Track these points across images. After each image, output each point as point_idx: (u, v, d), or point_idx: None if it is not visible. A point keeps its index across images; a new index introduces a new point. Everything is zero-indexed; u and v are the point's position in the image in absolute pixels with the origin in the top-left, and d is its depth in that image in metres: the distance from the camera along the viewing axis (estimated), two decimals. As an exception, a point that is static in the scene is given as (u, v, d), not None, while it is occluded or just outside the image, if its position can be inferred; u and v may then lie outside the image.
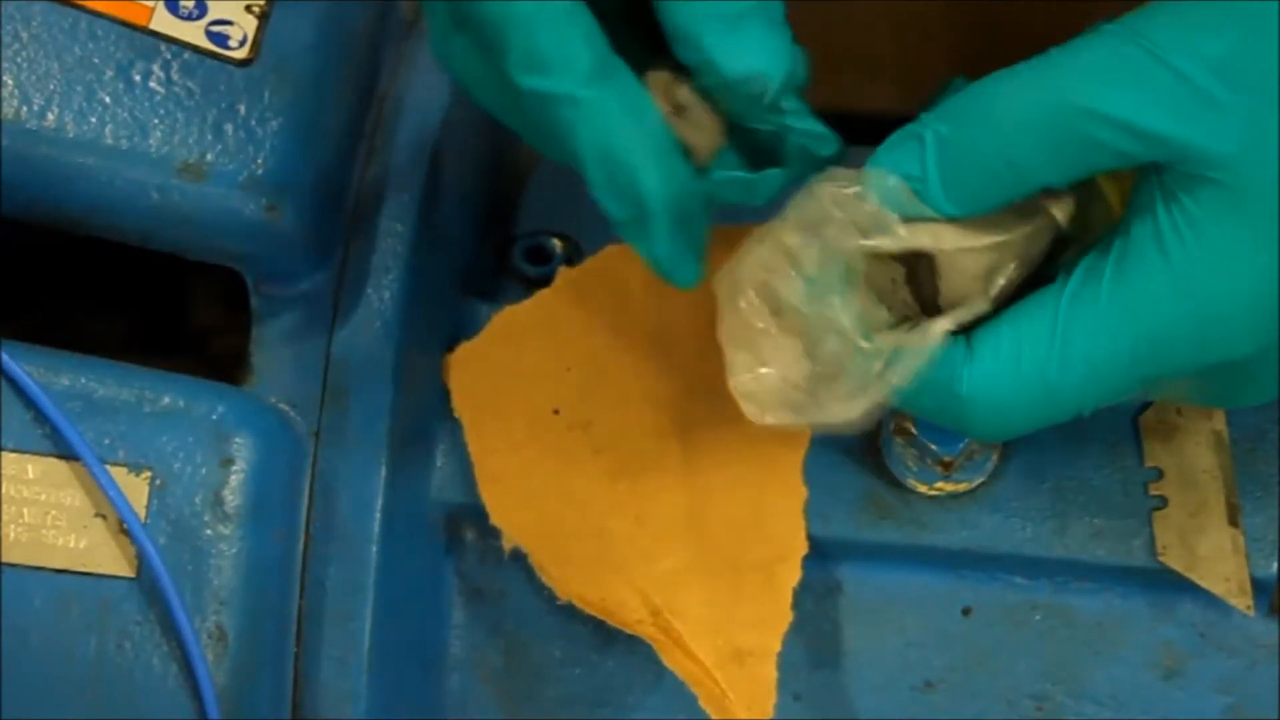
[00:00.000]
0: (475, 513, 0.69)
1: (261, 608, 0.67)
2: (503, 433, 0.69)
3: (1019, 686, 0.70)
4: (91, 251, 0.70)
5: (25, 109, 0.66)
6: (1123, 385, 0.58)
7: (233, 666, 0.66)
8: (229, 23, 0.68)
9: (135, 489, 0.66)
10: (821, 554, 0.69)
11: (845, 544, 0.70)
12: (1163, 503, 0.69)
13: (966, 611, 0.70)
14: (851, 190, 0.59)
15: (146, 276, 0.77)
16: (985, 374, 0.59)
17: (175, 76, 0.67)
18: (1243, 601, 0.68)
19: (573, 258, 0.74)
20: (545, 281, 0.71)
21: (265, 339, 0.70)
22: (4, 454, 0.65)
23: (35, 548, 0.65)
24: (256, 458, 0.67)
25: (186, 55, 0.68)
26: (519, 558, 0.69)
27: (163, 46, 0.67)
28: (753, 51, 0.59)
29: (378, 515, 0.68)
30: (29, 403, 0.65)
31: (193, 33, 0.68)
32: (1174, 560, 0.68)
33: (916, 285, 0.60)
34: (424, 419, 0.70)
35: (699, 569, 0.68)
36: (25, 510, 0.65)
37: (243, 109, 0.68)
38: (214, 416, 0.67)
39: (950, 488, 0.69)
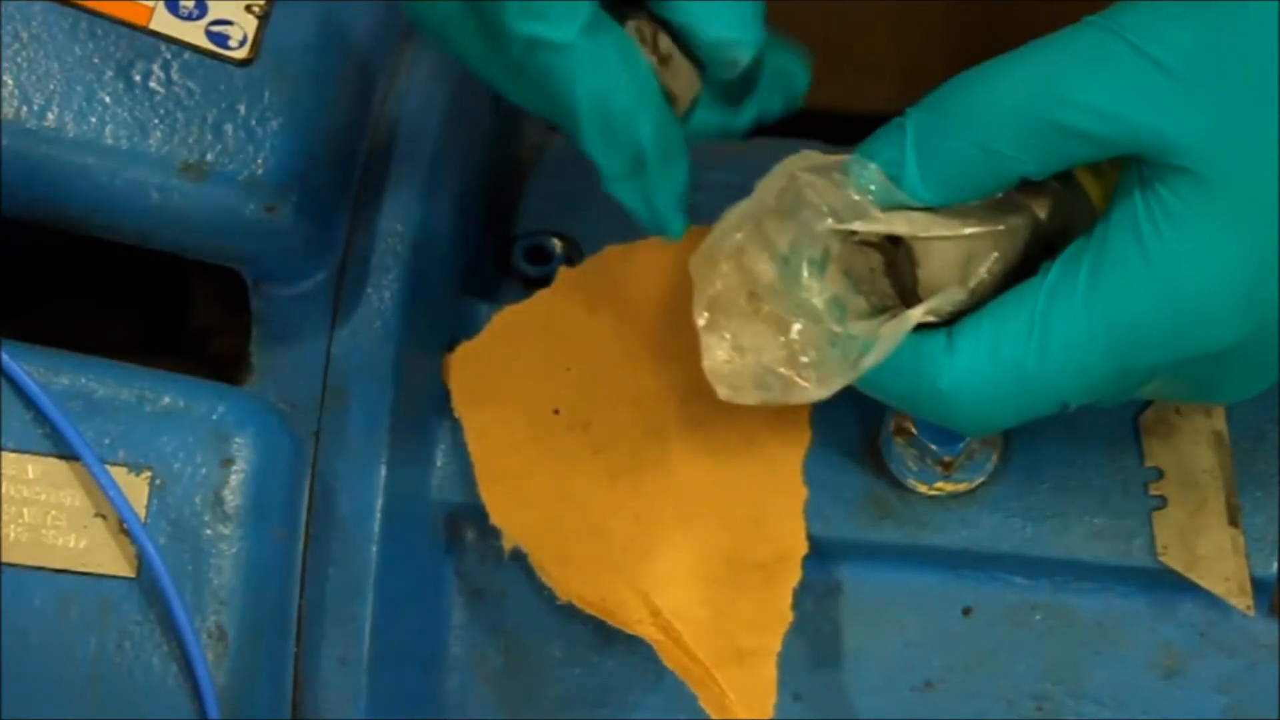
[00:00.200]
0: (475, 513, 0.69)
1: (261, 608, 0.67)
2: (503, 433, 0.69)
3: (1019, 686, 0.70)
4: (91, 251, 0.70)
5: (25, 109, 0.66)
6: (1101, 376, 0.58)
7: (233, 666, 0.66)
8: (229, 23, 0.68)
9: (135, 489, 0.66)
10: (821, 554, 0.69)
11: (845, 544, 0.70)
12: (1163, 503, 0.69)
13: (966, 611, 0.70)
14: (830, 175, 0.59)
15: (146, 276, 0.77)
16: (964, 366, 0.59)
17: (175, 76, 0.67)
18: (1243, 601, 0.68)
19: (573, 258, 0.74)
20: (545, 281, 0.72)
21: (265, 339, 0.70)
22: (4, 454, 0.65)
23: (35, 548, 0.65)
24: (256, 458, 0.67)
25: (186, 55, 0.68)
26: (519, 558, 0.69)
27: (163, 46, 0.67)
28: (728, 19, 0.59)
29: (378, 515, 0.68)
30: (29, 403, 0.65)
31: (193, 33, 0.68)
32: (1174, 560, 0.68)
33: (896, 275, 0.60)
34: (424, 419, 0.70)
35: (699, 569, 0.68)
36: (25, 510, 0.65)
37: (243, 109, 0.68)
38: (214, 416, 0.67)
39: (950, 488, 0.69)
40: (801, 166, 0.60)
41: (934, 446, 0.68)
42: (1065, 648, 0.69)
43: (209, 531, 0.66)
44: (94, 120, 0.66)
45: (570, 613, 0.69)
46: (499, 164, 0.77)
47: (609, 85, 0.58)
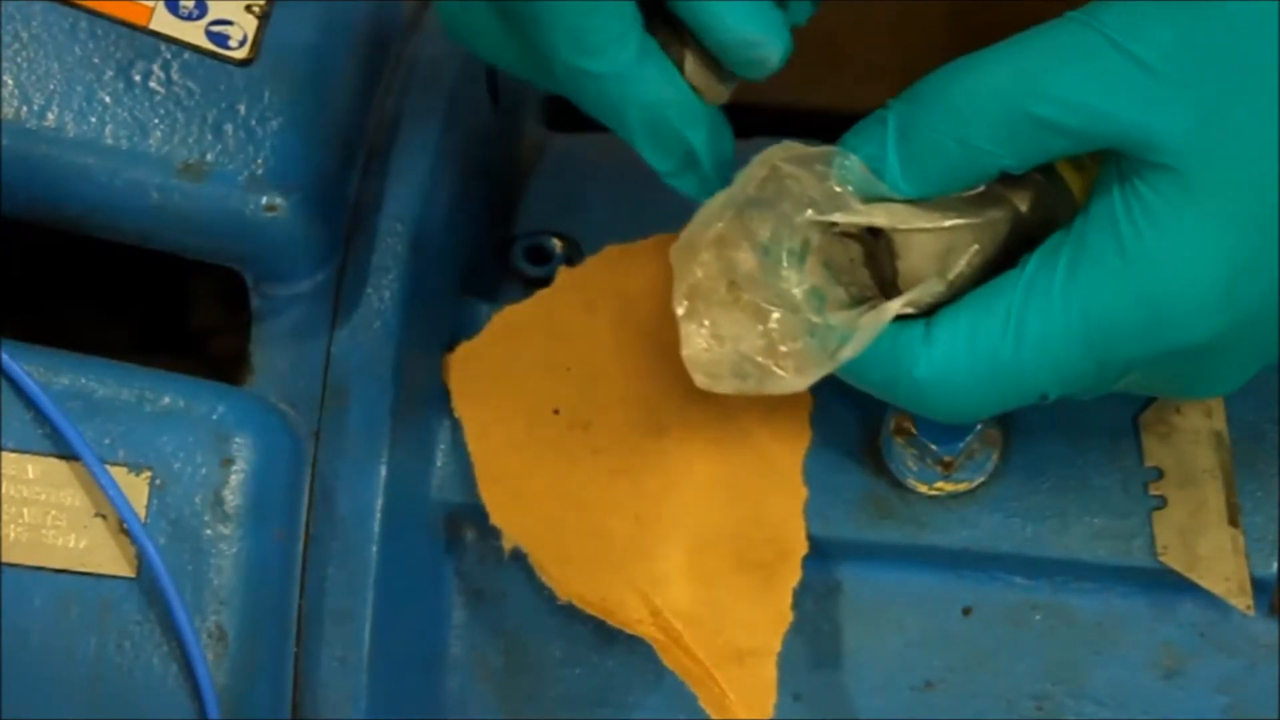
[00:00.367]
0: (475, 513, 0.69)
1: (261, 608, 0.67)
2: (503, 433, 0.69)
3: (1019, 686, 0.70)
4: (91, 251, 0.70)
5: (25, 109, 0.66)
6: (1077, 368, 0.59)
7: (233, 666, 0.66)
8: (229, 23, 0.68)
9: (135, 489, 0.66)
10: (821, 554, 0.69)
11: (845, 544, 0.70)
12: (1163, 502, 0.69)
13: (966, 611, 0.70)
14: (811, 166, 0.59)
15: (146, 276, 0.77)
16: (941, 356, 0.59)
17: (175, 76, 0.67)
18: (1243, 601, 0.68)
19: (573, 258, 0.74)
20: (545, 281, 0.71)
21: (265, 339, 0.70)
22: (4, 454, 0.65)
23: (35, 548, 0.65)
24: (256, 458, 0.67)
25: (186, 55, 0.68)
26: (519, 558, 0.69)
27: (163, 46, 0.67)
28: (755, 19, 0.59)
29: (378, 515, 0.68)
30: (29, 403, 0.65)
31: (193, 33, 0.68)
32: (1174, 560, 0.68)
33: (876, 267, 0.61)
34: (424, 419, 0.70)
35: (699, 569, 0.68)
36: (25, 510, 0.65)
37: (243, 109, 0.68)
38: (214, 416, 0.67)
39: (950, 488, 0.69)
40: (783, 157, 0.60)
41: (934, 446, 0.68)
42: (1065, 648, 0.69)
43: (209, 531, 0.66)
44: (94, 120, 0.66)
45: (570, 613, 0.69)
46: (499, 164, 0.77)
47: (659, 104, 0.60)
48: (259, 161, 0.67)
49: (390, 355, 0.69)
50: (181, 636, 0.65)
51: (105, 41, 0.67)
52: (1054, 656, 0.69)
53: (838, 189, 0.59)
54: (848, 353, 0.60)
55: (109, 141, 0.66)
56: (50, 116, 0.66)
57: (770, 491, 0.68)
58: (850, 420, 0.70)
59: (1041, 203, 0.60)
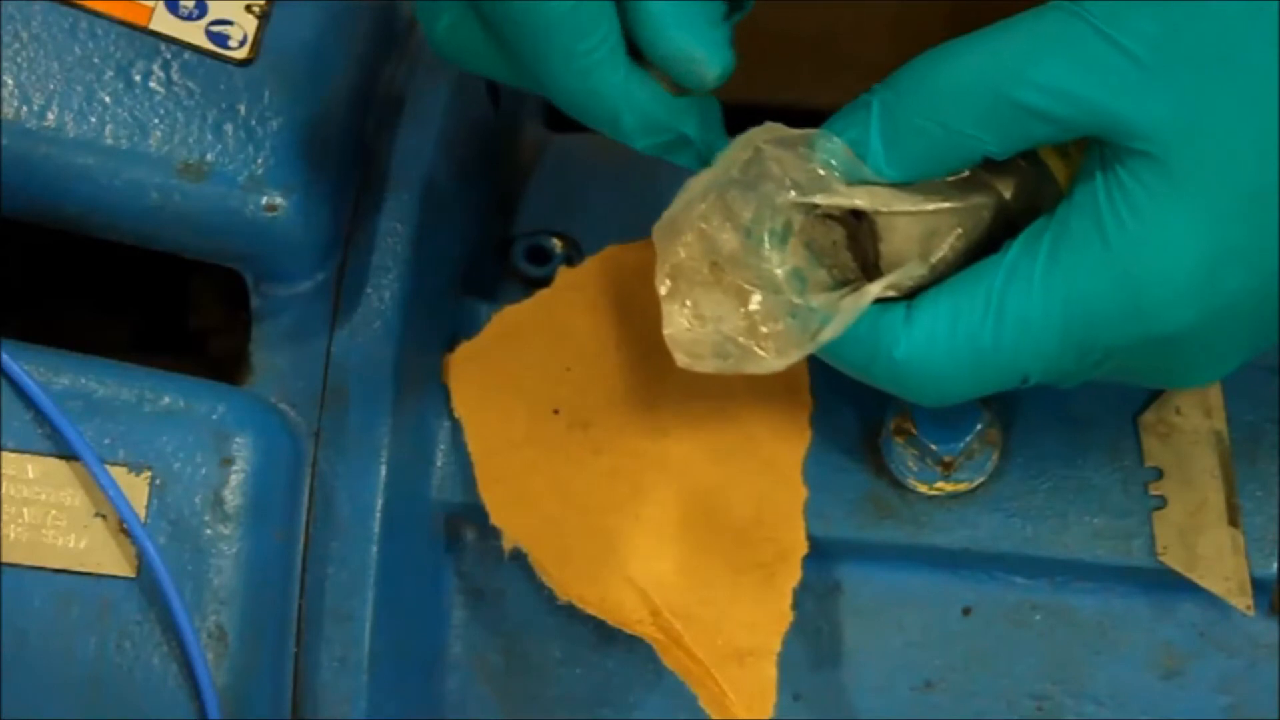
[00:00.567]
0: (475, 513, 0.69)
1: (261, 608, 0.67)
2: (503, 433, 0.69)
3: (1019, 686, 0.70)
4: (91, 251, 0.70)
5: (25, 109, 0.66)
6: (1056, 353, 0.59)
7: (233, 666, 0.66)
8: (229, 23, 0.68)
9: (135, 489, 0.66)
10: (821, 554, 0.69)
11: (845, 544, 0.70)
12: (1163, 502, 0.69)
13: (966, 611, 0.70)
14: (795, 148, 0.59)
15: (146, 276, 0.77)
16: (921, 338, 0.59)
17: (175, 76, 0.67)
18: (1243, 601, 0.68)
19: (573, 258, 0.74)
20: (545, 281, 0.71)
21: (265, 339, 0.70)
22: (4, 454, 0.65)
23: (35, 548, 0.65)
24: (256, 458, 0.67)
25: (186, 55, 0.68)
26: (519, 558, 0.69)
27: (163, 46, 0.67)
28: (695, 37, 0.60)
29: (377, 515, 0.68)
30: (29, 403, 0.65)
31: (193, 33, 0.68)
32: (1174, 560, 0.68)
33: (858, 249, 0.61)
34: (424, 419, 0.70)
35: (699, 569, 0.68)
36: (25, 510, 0.65)
37: (243, 109, 0.68)
38: (214, 416, 0.67)
39: (950, 488, 0.69)
40: (766, 139, 0.60)
41: (934, 446, 0.68)
42: (1065, 648, 0.69)
43: (209, 531, 0.66)
44: (94, 120, 0.66)
45: (570, 613, 0.69)
46: (499, 163, 0.77)
47: (650, 109, 0.60)
48: (259, 161, 0.67)
49: (390, 355, 0.69)
50: (181, 636, 0.65)
51: (105, 41, 0.67)
52: (1054, 656, 0.69)
53: (821, 171, 0.59)
54: (828, 334, 0.60)
55: (109, 141, 0.66)
56: (50, 116, 0.66)
57: (770, 491, 0.68)
58: (850, 420, 0.70)
59: (1026, 189, 0.60)
